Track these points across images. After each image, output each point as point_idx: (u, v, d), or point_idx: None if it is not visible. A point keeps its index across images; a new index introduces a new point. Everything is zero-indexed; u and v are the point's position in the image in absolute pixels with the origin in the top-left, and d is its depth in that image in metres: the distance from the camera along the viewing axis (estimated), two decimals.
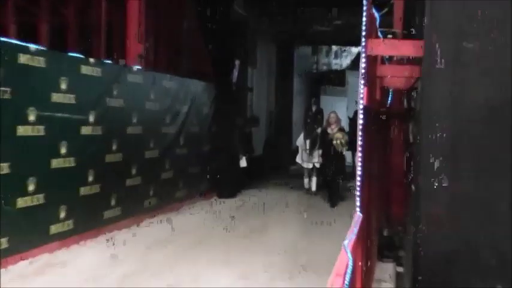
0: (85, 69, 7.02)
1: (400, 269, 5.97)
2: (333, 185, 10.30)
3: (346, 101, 18.62)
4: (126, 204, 7.90)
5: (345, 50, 21.17)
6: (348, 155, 11.67)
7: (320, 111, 11.84)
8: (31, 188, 6.11)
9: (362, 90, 4.13)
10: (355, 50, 19.69)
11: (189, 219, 8.82)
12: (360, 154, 4.19)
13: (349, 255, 2.99)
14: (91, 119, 7.13)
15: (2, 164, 5.69)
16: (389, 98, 8.30)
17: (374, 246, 5.98)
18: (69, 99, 6.69)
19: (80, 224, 6.91)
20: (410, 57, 5.11)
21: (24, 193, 6.03)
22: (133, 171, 8.16)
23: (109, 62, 8.26)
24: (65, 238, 6.64)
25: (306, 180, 11.63)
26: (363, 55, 4.15)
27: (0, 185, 5.65)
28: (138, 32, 8.91)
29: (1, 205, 5.70)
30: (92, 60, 7.28)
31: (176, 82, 9.58)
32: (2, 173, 5.68)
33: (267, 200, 10.58)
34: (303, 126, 11.65)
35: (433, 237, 3.40)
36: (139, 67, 8.61)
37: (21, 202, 5.99)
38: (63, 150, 6.60)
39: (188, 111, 9.90)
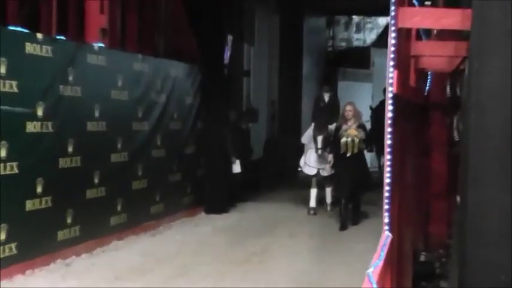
0: (30, 48, 6.97)
1: None
2: (353, 199, 10.23)
3: (371, 88, 18.63)
4: (86, 222, 7.90)
5: (369, 22, 21.24)
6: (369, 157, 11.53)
7: (335, 102, 11.81)
8: None
9: (391, 73, 4.12)
10: (382, 21, 19.75)
11: (169, 241, 8.82)
12: (388, 157, 4.18)
13: (375, 286, 2.99)
14: (39, 112, 7.10)
15: None
16: (428, 84, 8.32)
17: (407, 274, 5.98)
18: (10, 86, 6.64)
19: (25, 250, 6.87)
20: (455, 31, 5.10)
21: None
22: (96, 180, 8.16)
23: (62, 38, 8.22)
24: (6, 266, 6.60)
25: (312, 193, 10.99)
26: (393, 28, 4.16)
27: None
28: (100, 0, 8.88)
29: None
30: (39, 36, 7.24)
31: (150, 64, 9.55)
32: None
33: (268, 216, 10.55)
34: (312, 121, 11.55)
35: (486, 265, 3.38)
36: (101, 45, 8.58)
37: None
38: (2, 153, 6.55)
39: (166, 102, 9.88)
